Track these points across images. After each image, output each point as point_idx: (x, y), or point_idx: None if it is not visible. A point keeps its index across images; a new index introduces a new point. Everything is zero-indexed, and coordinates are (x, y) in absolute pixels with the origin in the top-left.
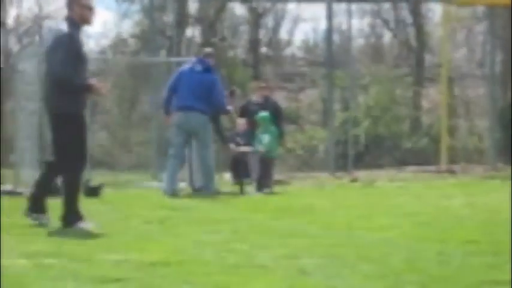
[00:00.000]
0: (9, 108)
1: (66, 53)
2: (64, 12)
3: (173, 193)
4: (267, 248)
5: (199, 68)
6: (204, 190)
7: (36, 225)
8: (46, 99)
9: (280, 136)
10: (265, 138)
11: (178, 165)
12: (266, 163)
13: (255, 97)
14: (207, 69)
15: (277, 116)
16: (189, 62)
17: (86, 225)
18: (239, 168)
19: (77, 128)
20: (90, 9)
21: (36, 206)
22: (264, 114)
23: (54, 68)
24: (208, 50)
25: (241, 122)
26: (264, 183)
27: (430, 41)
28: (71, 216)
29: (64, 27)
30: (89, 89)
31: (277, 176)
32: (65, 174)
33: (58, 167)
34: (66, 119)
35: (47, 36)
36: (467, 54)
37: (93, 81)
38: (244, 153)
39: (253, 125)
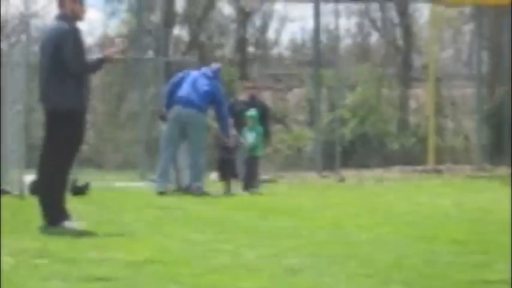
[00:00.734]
0: None
1: (76, 46)
2: (50, 10)
3: (163, 190)
4: (254, 247)
5: (209, 73)
6: (192, 189)
7: (23, 224)
8: (45, 96)
9: (266, 136)
10: (251, 137)
11: (170, 160)
12: (251, 162)
13: (242, 96)
14: (216, 78)
15: (265, 115)
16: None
17: (72, 224)
18: (225, 167)
19: (77, 125)
20: (80, 3)
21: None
22: (252, 112)
23: (71, 64)
24: (218, 65)
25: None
26: (249, 182)
27: (417, 41)
28: (57, 215)
29: (62, 24)
30: (103, 61)
31: (264, 175)
32: (56, 173)
33: (50, 164)
34: (68, 116)
35: (44, 34)
36: (454, 54)
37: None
38: (230, 153)
39: (239, 124)
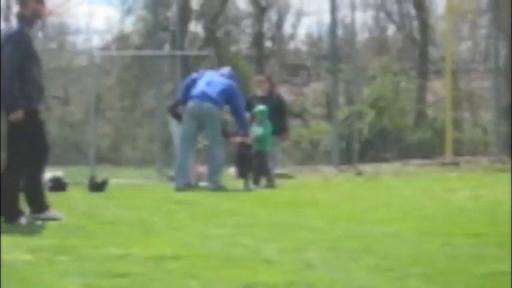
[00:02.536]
0: None
1: (14, 49)
2: (47, 6)
3: (183, 186)
4: (272, 241)
5: (225, 72)
6: (210, 185)
7: (40, 221)
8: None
9: (284, 130)
10: (258, 131)
11: (187, 156)
12: (259, 157)
13: (260, 91)
14: (232, 77)
15: (282, 110)
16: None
17: (24, 220)
18: (244, 163)
19: (30, 123)
20: (42, 3)
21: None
22: (261, 107)
23: (3, 65)
24: (229, 68)
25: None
26: (260, 177)
27: (434, 34)
28: (13, 213)
29: (16, 25)
30: (16, 108)
31: (282, 169)
32: (12, 172)
33: (9, 163)
34: (18, 114)
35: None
36: (471, 47)
37: (18, 114)
38: (249, 149)
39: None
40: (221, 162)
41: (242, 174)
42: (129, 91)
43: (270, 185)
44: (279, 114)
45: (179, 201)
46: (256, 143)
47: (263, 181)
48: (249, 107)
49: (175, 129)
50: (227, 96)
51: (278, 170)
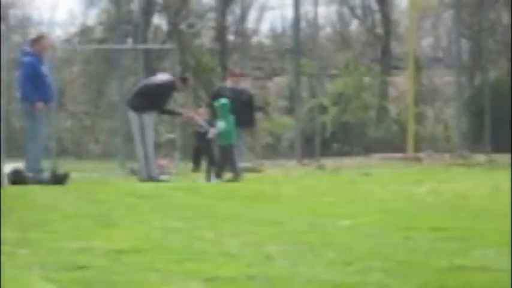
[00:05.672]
0: None
1: None
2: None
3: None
4: (233, 235)
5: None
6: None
7: (2, 213)
8: None
9: (252, 125)
10: (222, 125)
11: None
12: (223, 150)
13: (229, 84)
14: (23, 56)
15: (250, 105)
16: None
17: None
18: (199, 156)
19: None
20: None
21: None
22: (222, 100)
23: None
24: (34, 36)
25: (200, 112)
26: (222, 170)
27: (397, 29)
28: None
29: None
30: None
31: (244, 163)
32: None
33: None
34: None
35: None
36: (434, 42)
37: None
38: (208, 141)
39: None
40: (36, 157)
41: (196, 167)
42: (92, 84)
43: (235, 178)
44: (247, 109)
45: (141, 194)
46: (222, 137)
47: (226, 174)
48: (217, 98)
49: (134, 122)
50: (24, 79)
51: (243, 164)
